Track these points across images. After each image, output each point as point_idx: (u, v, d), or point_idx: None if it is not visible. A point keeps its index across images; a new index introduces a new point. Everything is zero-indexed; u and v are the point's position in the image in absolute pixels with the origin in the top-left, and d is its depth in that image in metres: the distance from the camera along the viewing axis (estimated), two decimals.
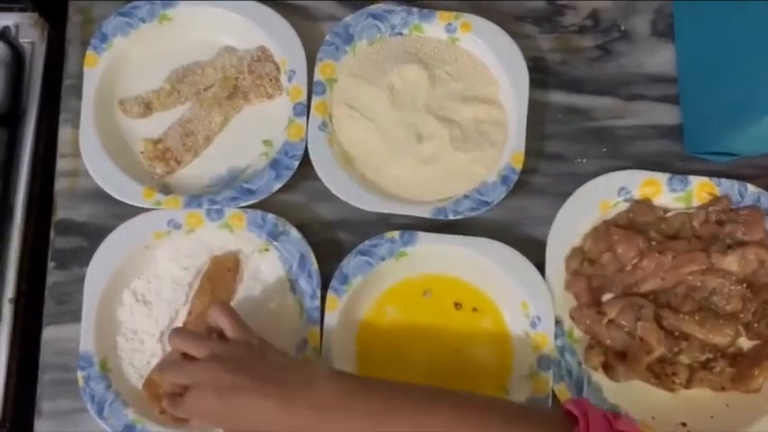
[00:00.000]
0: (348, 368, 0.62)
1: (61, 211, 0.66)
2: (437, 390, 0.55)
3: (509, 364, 0.63)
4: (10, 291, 0.65)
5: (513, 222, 0.68)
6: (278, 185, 0.64)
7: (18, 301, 0.65)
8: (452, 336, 0.64)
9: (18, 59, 0.70)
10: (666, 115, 0.71)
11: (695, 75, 0.70)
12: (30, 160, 0.69)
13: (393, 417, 0.51)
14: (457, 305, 0.64)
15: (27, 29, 0.72)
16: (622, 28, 0.73)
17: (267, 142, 0.67)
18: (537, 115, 0.69)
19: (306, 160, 0.65)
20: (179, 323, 0.63)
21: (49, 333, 0.63)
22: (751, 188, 0.67)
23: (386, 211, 0.65)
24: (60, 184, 0.67)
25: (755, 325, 0.65)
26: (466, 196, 0.65)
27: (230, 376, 0.51)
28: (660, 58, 0.73)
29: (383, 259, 0.63)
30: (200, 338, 0.54)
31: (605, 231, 0.66)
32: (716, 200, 0.67)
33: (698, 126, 0.69)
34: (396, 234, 0.63)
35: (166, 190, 0.65)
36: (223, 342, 0.54)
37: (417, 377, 0.62)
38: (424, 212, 0.64)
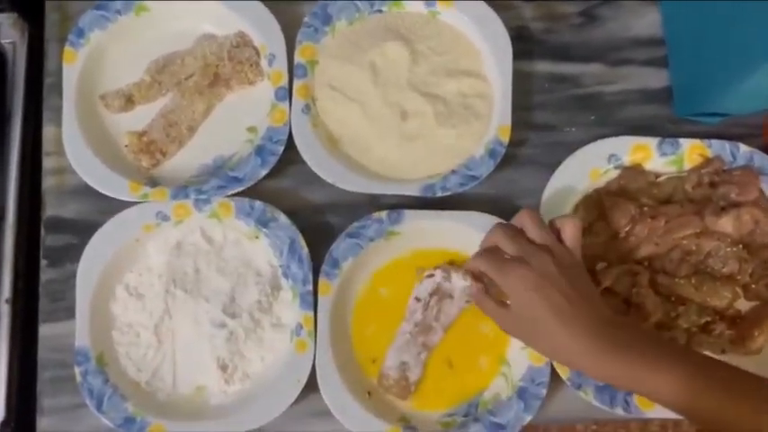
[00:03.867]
0: (345, 350, 0.62)
1: (50, 209, 0.66)
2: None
3: (506, 336, 0.63)
4: (6, 291, 0.66)
5: (503, 196, 0.67)
6: (264, 172, 0.64)
7: (15, 300, 0.66)
8: None
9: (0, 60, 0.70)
10: (655, 78, 0.70)
11: (682, 36, 0.69)
12: (18, 160, 0.69)
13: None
14: None
15: (7, 29, 0.72)
16: None
17: (251, 129, 0.67)
18: (523, 86, 0.68)
19: (291, 145, 0.65)
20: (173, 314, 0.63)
21: (46, 331, 0.64)
22: (743, 148, 0.66)
23: (374, 191, 0.65)
24: (47, 183, 0.67)
25: (753, 286, 0.64)
26: (454, 172, 0.64)
27: (557, 275, 0.53)
28: (646, 21, 0.71)
29: (372, 240, 0.63)
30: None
31: (597, 199, 0.65)
32: (708, 162, 0.66)
33: (687, 88, 0.68)
34: (383, 214, 0.63)
35: (153, 182, 0.65)
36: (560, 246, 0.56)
37: None
38: (413, 191, 0.64)
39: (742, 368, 0.53)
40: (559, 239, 0.57)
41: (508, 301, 0.56)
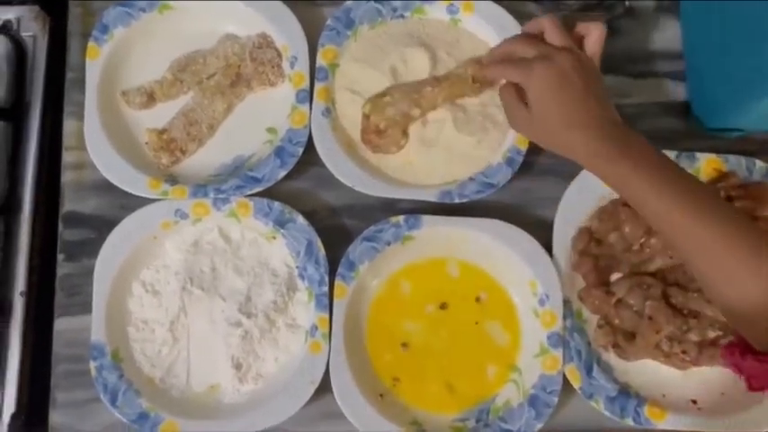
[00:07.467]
0: (359, 352, 0.63)
1: (68, 204, 0.66)
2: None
3: (518, 343, 0.64)
4: (21, 284, 0.66)
5: (519, 204, 0.67)
6: (283, 173, 0.64)
7: (29, 293, 0.66)
8: (462, 316, 0.64)
9: (20, 53, 0.70)
10: (673, 92, 0.70)
11: (701, 50, 0.69)
12: (36, 154, 0.69)
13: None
14: None
15: (28, 22, 0.72)
16: (627, 4, 0.72)
17: (271, 130, 0.67)
18: None
19: (310, 147, 0.65)
20: (189, 311, 0.63)
21: (61, 325, 0.64)
22: (759, 163, 0.66)
23: (391, 195, 0.65)
24: (66, 177, 0.67)
25: None
26: (471, 179, 0.65)
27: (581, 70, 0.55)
28: (666, 35, 0.72)
29: (389, 244, 0.63)
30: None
31: (612, 211, 0.65)
32: (724, 176, 0.66)
33: (705, 102, 0.68)
34: (400, 218, 0.63)
35: (172, 180, 0.65)
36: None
37: (427, 359, 0.63)
38: (430, 196, 0.64)
39: None
40: (580, 47, 0.57)
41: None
